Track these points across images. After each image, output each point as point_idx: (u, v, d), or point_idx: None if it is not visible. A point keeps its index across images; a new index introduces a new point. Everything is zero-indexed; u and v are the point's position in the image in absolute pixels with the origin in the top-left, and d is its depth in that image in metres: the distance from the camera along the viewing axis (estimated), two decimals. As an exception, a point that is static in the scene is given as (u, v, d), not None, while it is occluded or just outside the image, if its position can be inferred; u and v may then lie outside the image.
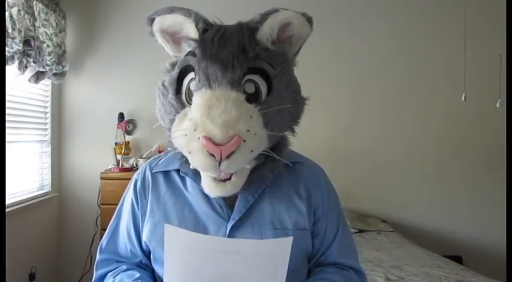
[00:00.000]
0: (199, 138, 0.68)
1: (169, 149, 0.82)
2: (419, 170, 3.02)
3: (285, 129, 0.80)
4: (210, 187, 0.75)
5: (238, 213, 0.80)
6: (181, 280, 0.72)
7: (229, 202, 0.81)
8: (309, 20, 0.77)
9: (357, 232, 2.56)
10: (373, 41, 3.03)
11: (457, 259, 2.54)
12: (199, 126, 0.68)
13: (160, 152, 2.83)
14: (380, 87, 3.03)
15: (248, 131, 0.69)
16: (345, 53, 3.04)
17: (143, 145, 2.92)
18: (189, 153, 0.71)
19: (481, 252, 2.96)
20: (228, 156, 0.67)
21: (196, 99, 0.72)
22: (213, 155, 0.67)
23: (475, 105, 2.88)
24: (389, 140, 3.02)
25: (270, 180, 0.83)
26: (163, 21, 0.78)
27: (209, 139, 0.67)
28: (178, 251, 0.72)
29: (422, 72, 3.03)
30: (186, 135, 0.70)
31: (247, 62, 0.72)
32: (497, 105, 2.43)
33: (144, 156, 2.83)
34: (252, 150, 0.70)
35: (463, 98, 2.41)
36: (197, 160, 0.70)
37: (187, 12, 0.77)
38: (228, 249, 0.71)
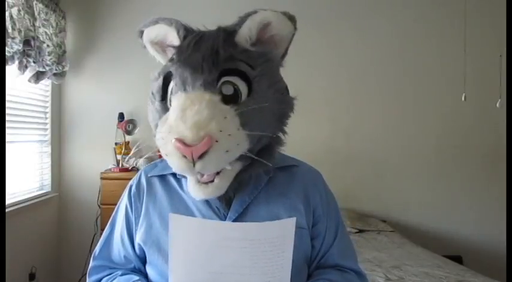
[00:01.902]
0: (172, 140, 0.69)
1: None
2: (419, 170, 3.02)
3: (270, 130, 0.77)
4: (194, 189, 0.76)
5: (235, 213, 0.80)
6: (187, 272, 0.72)
7: (225, 204, 0.82)
8: (291, 19, 0.77)
9: (357, 232, 2.56)
10: (373, 41, 3.03)
11: (457, 259, 2.54)
12: (172, 128, 0.69)
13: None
14: (380, 88, 3.03)
15: (221, 131, 0.68)
16: (344, 53, 3.04)
17: (143, 145, 2.92)
18: (166, 156, 0.73)
19: (481, 252, 2.96)
20: (200, 157, 0.67)
21: (173, 103, 0.73)
22: (186, 157, 0.68)
23: (475, 105, 2.88)
24: (389, 140, 3.02)
25: (265, 181, 0.83)
26: (150, 33, 0.81)
27: (181, 141, 0.67)
28: (184, 240, 0.71)
29: (422, 72, 3.03)
30: (162, 139, 0.72)
31: (221, 63, 0.73)
32: (497, 105, 2.43)
33: (146, 156, 2.82)
34: (227, 151, 0.69)
35: (463, 98, 2.41)
36: (172, 162, 0.72)
37: (169, 22, 0.79)
38: (236, 234, 0.71)
